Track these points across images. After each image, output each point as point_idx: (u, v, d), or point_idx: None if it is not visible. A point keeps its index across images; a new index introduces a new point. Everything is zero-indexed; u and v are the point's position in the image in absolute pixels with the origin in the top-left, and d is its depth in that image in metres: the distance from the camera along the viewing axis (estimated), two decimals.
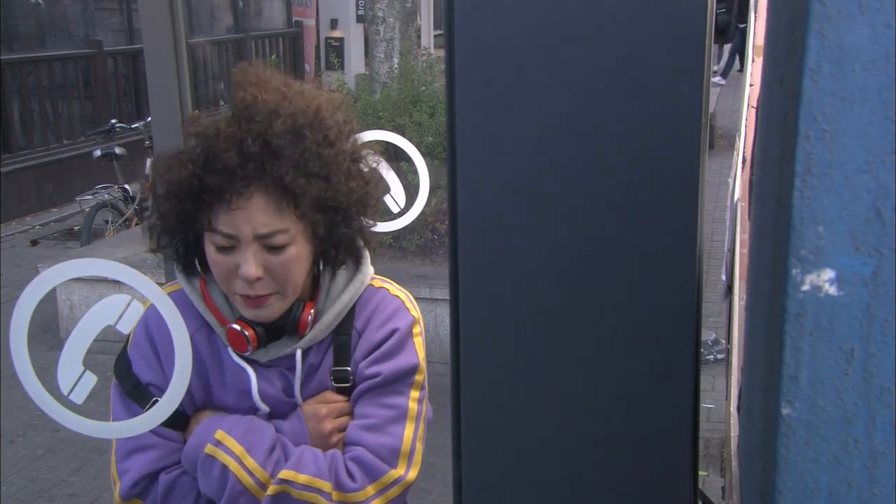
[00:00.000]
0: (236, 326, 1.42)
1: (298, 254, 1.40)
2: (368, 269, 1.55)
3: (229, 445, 1.40)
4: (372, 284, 1.56)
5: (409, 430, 1.49)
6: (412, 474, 1.49)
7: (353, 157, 1.46)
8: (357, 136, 1.50)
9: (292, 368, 1.48)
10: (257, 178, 1.34)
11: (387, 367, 1.49)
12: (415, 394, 1.51)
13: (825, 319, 0.52)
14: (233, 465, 1.39)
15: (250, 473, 1.39)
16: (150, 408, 1.32)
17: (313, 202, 1.37)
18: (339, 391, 1.50)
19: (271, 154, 1.34)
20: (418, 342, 1.54)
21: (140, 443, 1.45)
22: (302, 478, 1.41)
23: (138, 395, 1.45)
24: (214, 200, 1.34)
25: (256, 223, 1.35)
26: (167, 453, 1.46)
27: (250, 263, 1.36)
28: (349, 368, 1.49)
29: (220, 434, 1.41)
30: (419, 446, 1.50)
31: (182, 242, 1.45)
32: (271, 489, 1.39)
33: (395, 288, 1.58)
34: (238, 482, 1.39)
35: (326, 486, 1.42)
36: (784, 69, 0.56)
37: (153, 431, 1.44)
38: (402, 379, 1.50)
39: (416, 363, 1.52)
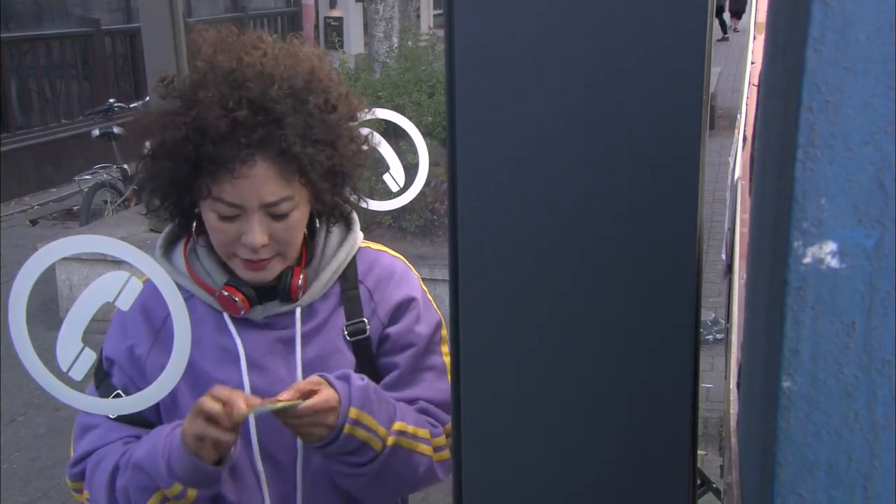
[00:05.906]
0: (225, 292, 1.43)
1: (301, 218, 1.41)
2: (359, 231, 1.57)
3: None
4: (369, 247, 1.59)
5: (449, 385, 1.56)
6: None
7: (351, 117, 1.46)
8: (344, 91, 1.47)
9: (291, 326, 1.48)
10: (262, 146, 1.32)
11: (418, 335, 1.53)
12: (444, 348, 1.57)
13: (827, 292, 0.51)
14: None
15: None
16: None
17: (321, 170, 1.37)
18: (356, 344, 1.51)
19: (274, 122, 1.32)
20: (430, 298, 1.61)
21: (88, 422, 1.48)
22: (410, 428, 1.46)
23: (99, 371, 1.48)
24: (217, 168, 1.32)
25: (263, 192, 1.33)
26: (106, 432, 1.47)
27: (256, 232, 1.35)
28: (364, 320, 1.51)
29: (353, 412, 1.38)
30: None
31: (175, 205, 1.43)
32: (389, 440, 1.42)
33: (391, 251, 1.63)
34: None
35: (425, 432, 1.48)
36: (787, 41, 0.56)
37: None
38: (433, 337, 1.56)
39: (438, 319, 1.58)
